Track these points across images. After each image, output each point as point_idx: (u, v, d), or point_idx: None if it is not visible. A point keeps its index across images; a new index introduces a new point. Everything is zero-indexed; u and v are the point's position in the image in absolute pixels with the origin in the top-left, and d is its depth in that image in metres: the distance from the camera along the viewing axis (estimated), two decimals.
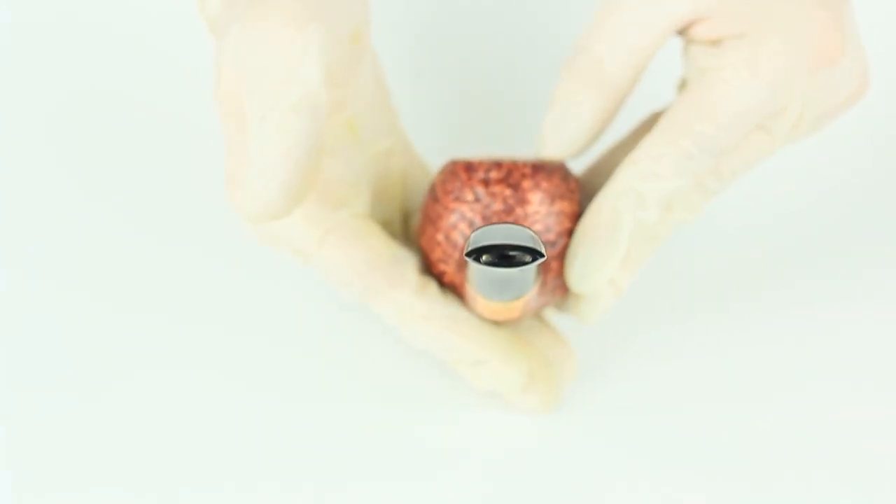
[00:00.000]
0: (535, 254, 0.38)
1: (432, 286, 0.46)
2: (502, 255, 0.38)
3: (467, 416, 0.49)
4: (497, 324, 0.47)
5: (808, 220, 0.59)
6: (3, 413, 0.49)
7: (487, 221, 0.44)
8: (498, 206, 0.44)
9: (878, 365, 0.51)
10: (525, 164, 0.44)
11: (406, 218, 0.49)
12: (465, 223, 0.44)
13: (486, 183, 0.44)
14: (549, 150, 0.46)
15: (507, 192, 0.44)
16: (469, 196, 0.44)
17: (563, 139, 0.46)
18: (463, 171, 0.44)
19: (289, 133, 0.41)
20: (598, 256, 0.44)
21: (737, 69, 0.43)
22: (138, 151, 0.62)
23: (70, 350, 0.52)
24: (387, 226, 0.49)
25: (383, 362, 0.51)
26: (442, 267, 0.45)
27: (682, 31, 0.45)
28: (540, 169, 0.44)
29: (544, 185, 0.44)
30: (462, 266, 0.44)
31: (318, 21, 0.41)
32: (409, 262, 0.46)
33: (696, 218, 0.46)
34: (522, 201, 0.44)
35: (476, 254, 0.38)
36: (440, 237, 0.45)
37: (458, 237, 0.44)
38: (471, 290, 0.43)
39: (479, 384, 0.47)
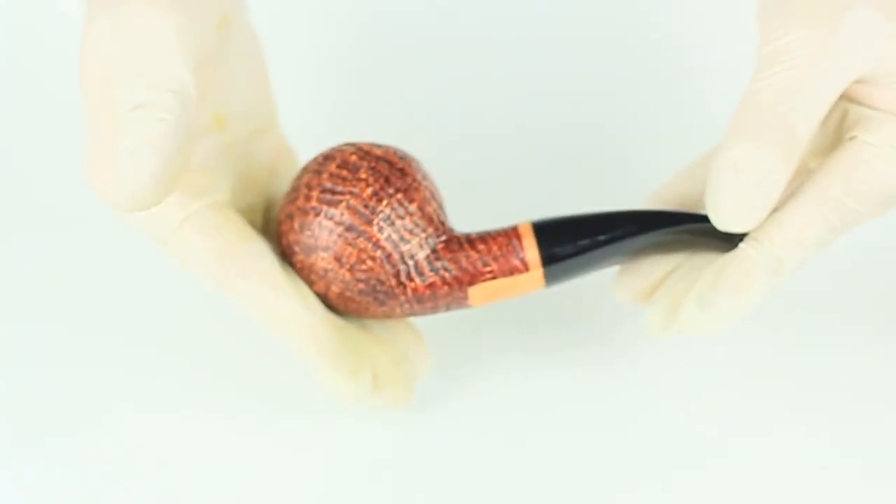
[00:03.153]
0: None
1: (287, 281, 0.45)
2: None
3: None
4: (348, 324, 0.47)
5: None
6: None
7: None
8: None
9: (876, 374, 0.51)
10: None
11: (270, 205, 0.49)
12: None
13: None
14: (738, 224, 0.42)
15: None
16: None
17: (752, 210, 0.42)
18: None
19: (159, 122, 0.40)
20: (727, 308, 0.43)
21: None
22: None
23: (66, 360, 0.52)
24: (249, 212, 0.48)
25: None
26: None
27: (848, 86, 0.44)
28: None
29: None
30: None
31: (179, 6, 0.41)
32: (264, 256, 0.45)
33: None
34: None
35: None
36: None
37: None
38: None
39: (322, 389, 0.46)
